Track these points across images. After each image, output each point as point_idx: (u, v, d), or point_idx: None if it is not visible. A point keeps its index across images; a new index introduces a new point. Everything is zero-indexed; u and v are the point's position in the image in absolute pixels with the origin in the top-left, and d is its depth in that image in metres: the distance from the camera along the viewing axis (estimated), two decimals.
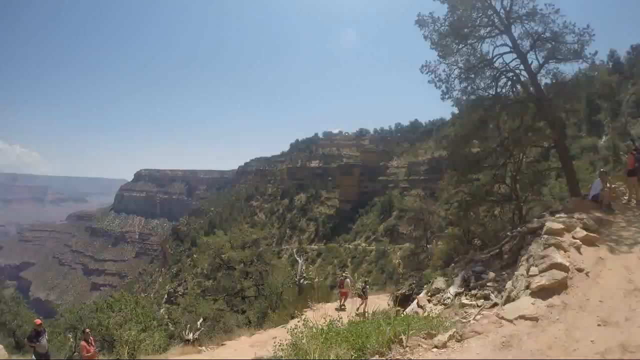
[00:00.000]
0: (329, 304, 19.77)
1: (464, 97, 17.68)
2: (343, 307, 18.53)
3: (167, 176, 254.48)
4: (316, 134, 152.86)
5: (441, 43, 17.20)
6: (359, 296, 19.10)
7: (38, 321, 11.60)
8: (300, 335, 5.22)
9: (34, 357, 11.09)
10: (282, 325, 15.99)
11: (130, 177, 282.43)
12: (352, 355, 4.70)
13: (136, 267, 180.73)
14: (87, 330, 11.96)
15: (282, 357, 5.10)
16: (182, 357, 13.35)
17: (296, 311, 17.49)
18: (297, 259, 26.30)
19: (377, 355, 4.64)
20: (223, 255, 26.98)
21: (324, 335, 5.12)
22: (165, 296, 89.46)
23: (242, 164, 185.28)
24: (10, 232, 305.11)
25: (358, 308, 16.79)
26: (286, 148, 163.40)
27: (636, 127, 66.45)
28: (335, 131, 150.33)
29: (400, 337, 5.03)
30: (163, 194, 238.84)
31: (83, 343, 11.11)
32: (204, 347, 14.81)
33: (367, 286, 21.13)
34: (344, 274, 25.30)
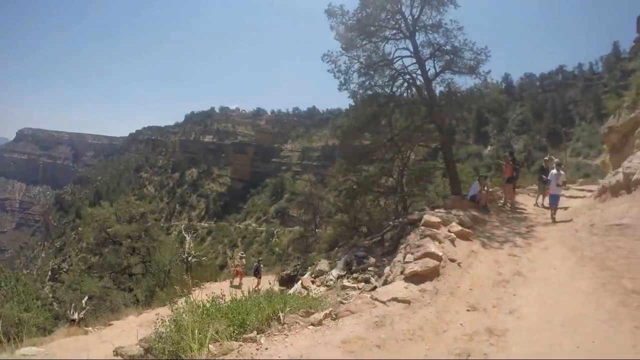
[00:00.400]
0: (218, 282, 20.09)
1: (361, 91, 18.50)
2: (240, 284, 19.11)
3: (53, 138, 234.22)
4: (212, 108, 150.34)
5: (346, 36, 17.78)
6: (254, 274, 19.83)
7: None
8: (180, 311, 5.43)
9: None
10: (170, 304, 16.12)
11: (11, 136, 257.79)
12: (232, 332, 5.02)
13: (16, 240, 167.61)
14: None
15: (162, 333, 5.30)
16: (68, 338, 12.94)
17: (184, 289, 17.61)
18: (185, 235, 26.12)
19: (256, 332, 5.00)
20: (109, 229, 25.91)
21: (204, 312, 5.39)
22: (49, 273, 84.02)
23: (134, 131, 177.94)
24: None
25: (255, 287, 17.34)
26: (180, 119, 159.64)
27: (519, 143, 75.78)
28: (232, 107, 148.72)
29: (278, 314, 5.46)
30: (47, 157, 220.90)
31: None
32: (90, 328, 14.48)
33: (261, 266, 21.83)
34: (239, 254, 25.65)
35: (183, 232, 31.10)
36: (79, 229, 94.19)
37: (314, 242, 34.14)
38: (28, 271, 73.04)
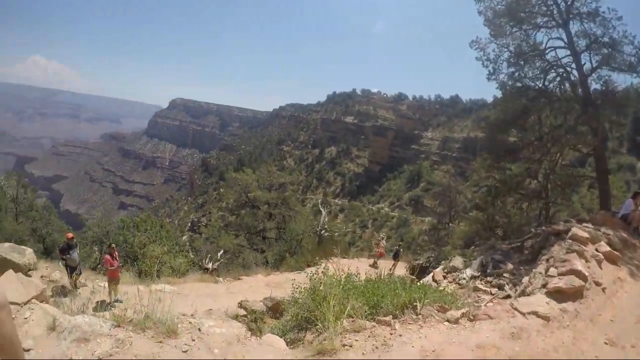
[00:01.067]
0: (346, 259, 20.23)
1: (510, 82, 17.23)
2: (376, 265, 19.03)
3: (202, 108, 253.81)
4: (354, 90, 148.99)
5: (495, 22, 16.67)
6: (393, 258, 19.73)
7: (70, 235, 11.87)
8: (319, 281, 5.35)
9: (65, 268, 11.59)
10: (297, 271, 16.41)
11: (165, 105, 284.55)
12: (365, 311, 4.86)
13: (163, 193, 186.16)
14: (113, 245, 12.27)
15: (298, 299, 5.32)
16: (199, 283, 13.89)
17: (313, 260, 18.02)
18: (321, 209, 26.60)
19: (390, 316, 4.79)
20: (249, 194, 27.50)
21: (342, 286, 5.30)
22: (189, 224, 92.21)
23: (277, 107, 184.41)
24: (45, 145, 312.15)
25: (391, 269, 17.17)
26: (322, 99, 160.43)
27: None
28: (374, 90, 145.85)
29: (414, 303, 5.18)
30: (196, 125, 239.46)
31: (107, 257, 11.44)
32: (220, 278, 15.45)
33: (401, 250, 21.63)
34: (381, 235, 25.47)
35: (319, 206, 31.87)
36: (221, 190, 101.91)
37: (446, 235, 32.92)
38: (170, 220, 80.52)
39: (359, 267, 6.25)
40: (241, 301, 10.04)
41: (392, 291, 5.33)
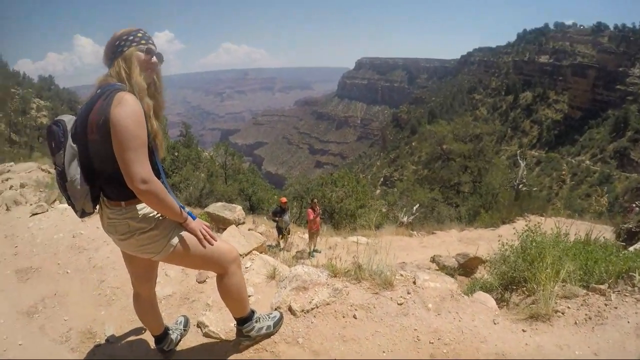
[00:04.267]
0: (542, 217, 18.29)
1: None
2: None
3: (388, 64, 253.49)
4: (546, 25, 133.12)
5: None
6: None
7: (284, 199, 12.45)
8: (531, 240, 4.78)
9: (277, 229, 12.21)
10: (491, 228, 15.65)
11: (352, 66, 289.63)
12: (580, 276, 4.20)
13: (357, 150, 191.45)
14: (315, 200, 12.86)
15: (508, 257, 4.81)
16: (394, 236, 13.95)
17: (509, 217, 16.84)
18: (520, 161, 24.50)
19: (606, 285, 4.04)
20: (444, 146, 26.75)
21: (559, 246, 4.64)
22: (382, 179, 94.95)
23: (465, 53, 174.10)
24: (245, 118, 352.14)
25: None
26: (512, 38, 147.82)
27: None
28: (569, 23, 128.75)
29: (631, 273, 4.30)
30: (384, 81, 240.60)
31: (309, 210, 11.96)
32: (415, 232, 15.34)
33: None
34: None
35: (518, 157, 29.55)
36: (413, 144, 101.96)
37: None
38: (364, 176, 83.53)
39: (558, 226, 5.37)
40: (434, 256, 9.82)
41: (606, 257, 4.46)
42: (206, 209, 11.12)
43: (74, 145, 2.16)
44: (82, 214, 2.32)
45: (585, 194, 69.58)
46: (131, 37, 2.25)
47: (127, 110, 2.05)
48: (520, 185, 21.73)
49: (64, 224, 6.40)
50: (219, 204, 11.35)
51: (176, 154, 23.27)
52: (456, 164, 26.12)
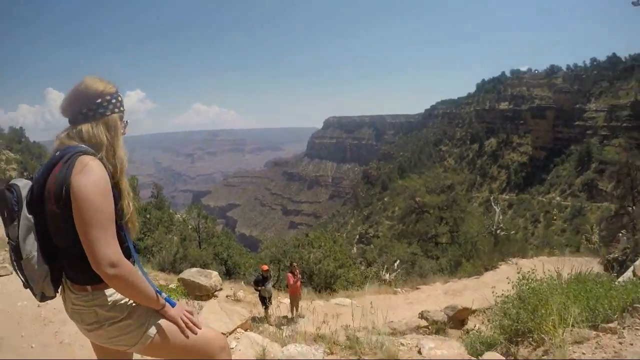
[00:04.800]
0: (524, 259, 18.29)
1: None
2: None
3: (355, 122, 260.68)
4: (503, 73, 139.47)
5: None
6: None
7: (265, 267, 11.85)
8: (525, 288, 4.63)
9: (259, 299, 11.44)
10: (475, 276, 15.54)
11: (320, 125, 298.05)
12: (585, 317, 4.04)
13: (330, 209, 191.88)
14: (295, 263, 12.52)
15: (508, 309, 4.61)
16: (378, 295, 13.67)
17: (491, 263, 16.82)
18: (494, 207, 24.81)
19: (616, 322, 3.89)
20: (418, 199, 26.95)
21: (559, 291, 4.48)
22: (357, 236, 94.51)
23: (428, 107, 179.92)
24: (216, 179, 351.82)
25: None
26: (472, 89, 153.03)
27: None
28: (524, 69, 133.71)
29: (635, 305, 4.17)
30: (352, 139, 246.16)
31: (289, 274, 11.59)
32: (399, 289, 15.05)
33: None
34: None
35: (492, 203, 30.02)
36: (385, 199, 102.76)
37: (630, 222, 28.24)
38: (338, 234, 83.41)
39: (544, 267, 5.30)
40: (422, 312, 9.64)
41: (606, 293, 4.34)
42: (181, 275, 10.81)
43: (30, 217, 1.83)
44: (42, 297, 1.97)
45: (560, 229, 70.95)
46: (114, 100, 1.97)
47: (92, 178, 1.76)
48: (498, 230, 21.82)
49: (28, 291, 5.92)
50: (194, 269, 11.00)
51: (148, 216, 22.73)
52: (431, 216, 26.27)
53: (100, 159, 1.87)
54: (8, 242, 1.87)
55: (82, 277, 1.91)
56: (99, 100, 1.93)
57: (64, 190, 1.75)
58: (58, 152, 1.88)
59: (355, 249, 41.53)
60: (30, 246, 1.83)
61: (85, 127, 1.92)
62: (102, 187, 1.78)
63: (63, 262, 1.94)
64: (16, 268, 1.92)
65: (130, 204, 2.00)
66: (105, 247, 1.73)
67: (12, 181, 1.91)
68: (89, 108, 1.92)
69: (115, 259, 1.74)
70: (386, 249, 24.63)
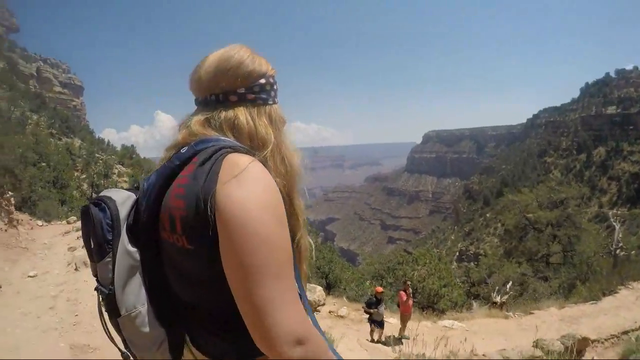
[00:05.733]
0: None
1: None
2: None
3: (455, 136, 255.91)
4: (607, 74, 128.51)
5: None
6: None
7: (380, 289, 11.27)
8: None
9: (369, 322, 11.07)
10: (592, 302, 14.21)
11: (419, 140, 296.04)
12: None
13: (429, 224, 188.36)
14: (408, 282, 12.12)
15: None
16: (488, 319, 13.11)
17: (609, 287, 15.37)
18: (614, 224, 22.77)
19: None
20: (529, 215, 25.54)
21: None
22: (457, 253, 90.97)
23: (531, 116, 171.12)
24: (317, 194, 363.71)
25: None
26: (576, 94, 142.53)
27: None
28: (629, 67, 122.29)
29: None
30: (452, 153, 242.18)
31: (402, 293, 11.20)
32: (510, 313, 14.28)
33: None
34: None
35: (612, 220, 27.64)
36: (487, 215, 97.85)
37: None
38: (438, 251, 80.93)
39: None
40: (537, 340, 9.01)
41: None
42: None
43: (134, 250, 1.12)
44: None
45: None
46: (276, 87, 1.30)
47: (255, 191, 1.00)
48: (618, 250, 19.99)
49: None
50: None
51: None
52: (543, 233, 24.72)
53: (264, 162, 1.11)
54: (96, 288, 1.14)
55: (223, 349, 1.15)
56: (263, 81, 1.25)
57: (201, 210, 1.00)
58: (185, 149, 1.16)
59: (455, 266, 40.09)
60: (134, 297, 1.11)
61: (241, 113, 1.21)
62: (273, 206, 1.03)
63: (192, 322, 1.18)
64: (107, 328, 1.18)
65: (306, 234, 1.36)
66: (285, 313, 0.95)
67: (104, 192, 1.21)
68: (249, 89, 1.23)
69: (302, 333, 0.96)
70: (494, 268, 23.49)
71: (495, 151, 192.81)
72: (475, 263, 30.76)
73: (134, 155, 58.76)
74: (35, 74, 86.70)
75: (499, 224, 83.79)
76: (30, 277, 8.63)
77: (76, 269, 8.17)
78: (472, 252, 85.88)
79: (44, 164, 30.32)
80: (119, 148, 63.63)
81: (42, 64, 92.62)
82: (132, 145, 63.17)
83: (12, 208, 14.06)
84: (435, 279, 17.67)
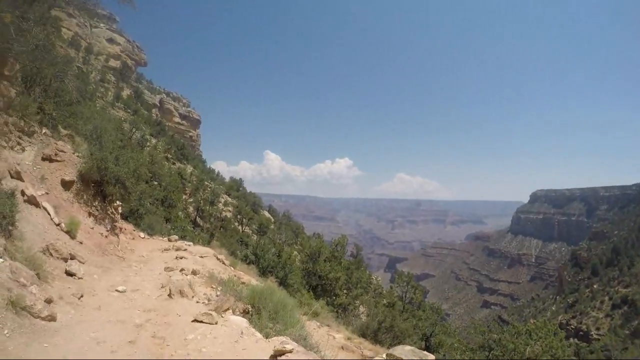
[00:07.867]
0: None
1: None
2: None
3: (564, 196, 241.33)
4: None
5: None
6: None
7: None
8: None
9: None
10: None
11: (526, 199, 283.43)
12: None
13: (529, 291, 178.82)
14: None
15: None
16: None
17: None
18: None
19: None
20: None
21: None
22: (557, 326, 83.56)
23: None
24: (414, 248, 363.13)
25: None
26: None
27: None
28: None
29: None
30: (561, 215, 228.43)
31: None
32: None
33: None
34: None
35: None
36: (594, 286, 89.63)
37: None
38: (535, 321, 75.38)
39: None
40: None
41: None
42: (392, 351, 8.63)
43: None
44: None
45: None
46: None
47: None
48: None
49: (235, 351, 5.22)
50: (408, 348, 8.73)
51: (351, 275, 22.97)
52: None
53: None
54: None
55: None
56: None
57: None
58: None
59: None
60: None
61: None
62: None
63: None
64: None
65: None
66: None
67: None
68: None
69: None
70: (614, 350, 20.48)
71: (608, 215, 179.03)
72: (587, 342, 27.92)
73: (240, 188, 62.01)
74: (158, 104, 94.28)
75: (607, 298, 77.43)
76: (118, 291, 8.05)
77: (170, 296, 7.60)
78: (573, 327, 79.82)
79: (155, 182, 32.10)
80: (227, 179, 67.45)
81: (165, 96, 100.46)
82: (240, 179, 66.56)
83: (118, 216, 14.60)
84: (548, 356, 16.35)
